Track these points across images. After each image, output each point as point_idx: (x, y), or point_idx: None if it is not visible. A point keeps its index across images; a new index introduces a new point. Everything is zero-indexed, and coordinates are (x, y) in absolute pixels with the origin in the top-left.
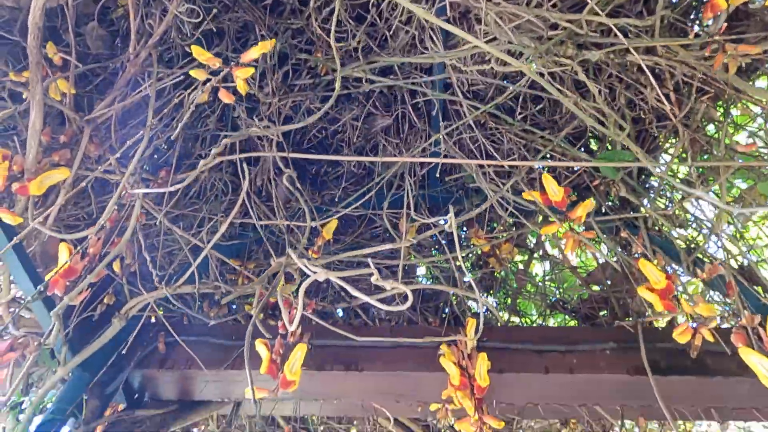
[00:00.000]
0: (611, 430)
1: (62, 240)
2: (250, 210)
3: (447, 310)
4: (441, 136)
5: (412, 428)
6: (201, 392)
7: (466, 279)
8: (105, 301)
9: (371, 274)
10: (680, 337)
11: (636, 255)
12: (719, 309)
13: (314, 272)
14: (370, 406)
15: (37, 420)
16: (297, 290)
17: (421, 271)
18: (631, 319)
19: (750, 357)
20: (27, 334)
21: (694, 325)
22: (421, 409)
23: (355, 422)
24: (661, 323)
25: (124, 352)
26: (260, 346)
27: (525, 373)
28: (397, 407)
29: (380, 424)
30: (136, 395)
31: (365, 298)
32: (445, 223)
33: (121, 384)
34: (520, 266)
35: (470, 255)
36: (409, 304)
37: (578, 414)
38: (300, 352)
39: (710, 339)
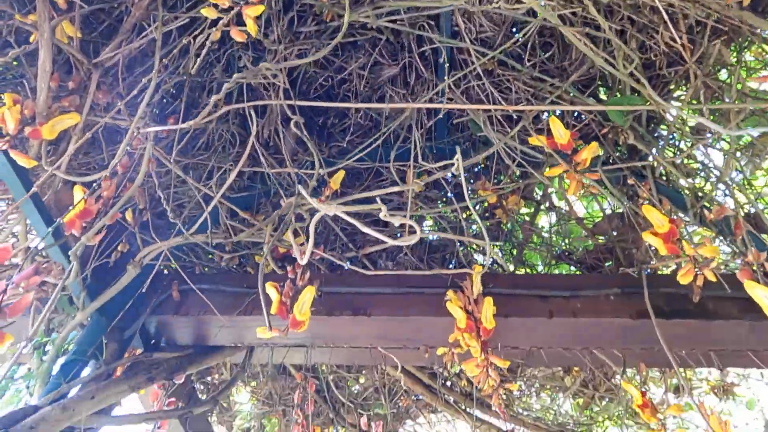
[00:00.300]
0: (613, 378)
1: (76, 183)
2: (259, 159)
3: (453, 262)
4: (448, 84)
5: (419, 376)
6: (215, 337)
7: (473, 228)
8: (119, 248)
9: (380, 210)
10: (683, 278)
11: (642, 202)
12: (723, 257)
13: (323, 208)
14: (379, 354)
15: (60, 361)
16: (307, 227)
17: (428, 224)
18: (635, 267)
19: (755, 290)
20: (48, 262)
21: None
22: (428, 356)
23: (363, 371)
24: (665, 270)
25: (140, 295)
26: (270, 289)
27: (530, 317)
28: (405, 354)
29: (388, 372)
30: (153, 340)
31: (374, 234)
32: (453, 166)
33: (138, 329)
34: (527, 218)
35: (477, 207)
36: (416, 237)
37: (581, 361)
38: (308, 294)
39: (712, 279)
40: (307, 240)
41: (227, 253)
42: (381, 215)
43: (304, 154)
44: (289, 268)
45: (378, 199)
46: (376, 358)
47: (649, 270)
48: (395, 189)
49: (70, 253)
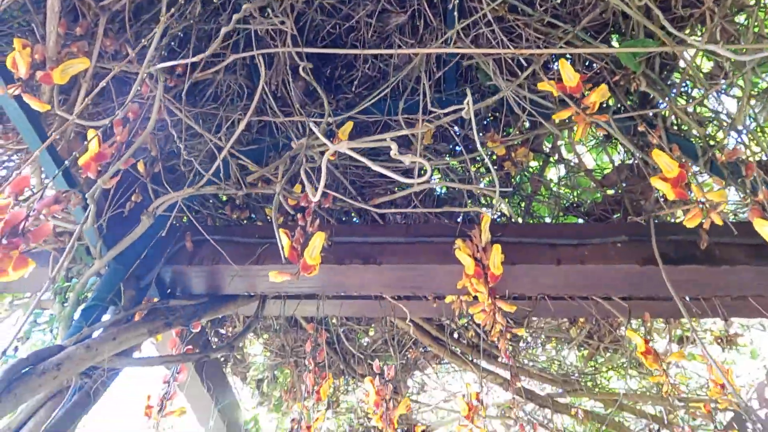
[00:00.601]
0: (618, 329)
1: (87, 133)
2: (267, 112)
3: (462, 215)
4: (457, 32)
5: (427, 328)
6: (228, 286)
7: (482, 182)
8: (133, 199)
9: (389, 149)
10: (690, 222)
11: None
12: (730, 207)
13: (335, 146)
14: (388, 305)
15: (81, 308)
16: (319, 166)
17: (437, 177)
18: (643, 216)
19: (764, 228)
20: (68, 191)
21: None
22: (436, 305)
23: (373, 324)
24: (673, 218)
25: (155, 246)
26: (282, 235)
27: (537, 264)
28: (413, 305)
29: (397, 325)
30: (169, 290)
31: (385, 171)
32: (463, 110)
33: (154, 278)
34: (535, 171)
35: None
36: (428, 176)
37: (587, 312)
38: (319, 239)
39: (719, 223)
40: (319, 179)
41: (238, 207)
42: (392, 153)
43: (312, 106)
44: (299, 216)
45: (388, 139)
46: (385, 310)
47: (657, 219)
48: (405, 132)
49: (87, 195)
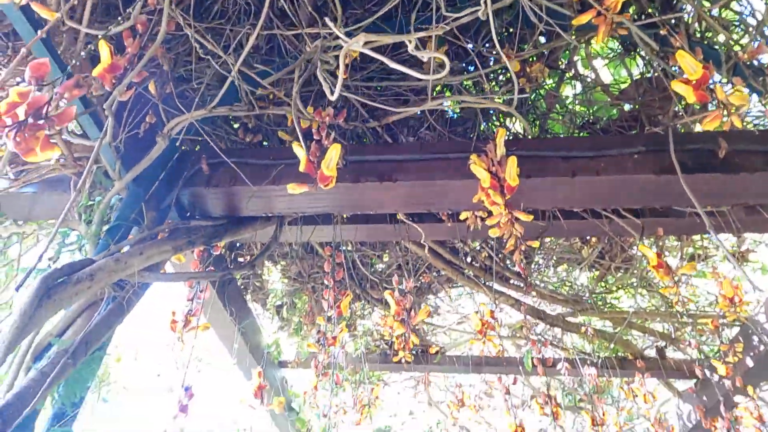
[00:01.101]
0: (629, 249)
1: (97, 42)
2: (275, 28)
3: (475, 135)
4: None
5: (440, 252)
6: (246, 208)
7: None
8: (147, 120)
9: (405, 48)
10: (709, 124)
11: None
12: (751, 118)
13: (351, 41)
14: (402, 229)
15: (105, 228)
16: (338, 60)
17: (447, 104)
18: (661, 127)
19: None
20: (88, 77)
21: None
22: (451, 225)
23: (387, 250)
24: (691, 126)
25: (172, 169)
26: (297, 148)
27: (552, 177)
28: (427, 228)
29: (411, 250)
30: (188, 213)
31: (403, 69)
32: (479, 10)
33: (173, 201)
34: (551, 88)
35: (500, 76)
36: (446, 71)
37: (599, 230)
38: (335, 150)
39: (739, 125)
40: (337, 76)
41: (250, 131)
42: (409, 49)
43: (320, 26)
44: (314, 130)
45: (405, 40)
46: (400, 232)
47: (675, 128)
48: (420, 34)
49: (105, 105)
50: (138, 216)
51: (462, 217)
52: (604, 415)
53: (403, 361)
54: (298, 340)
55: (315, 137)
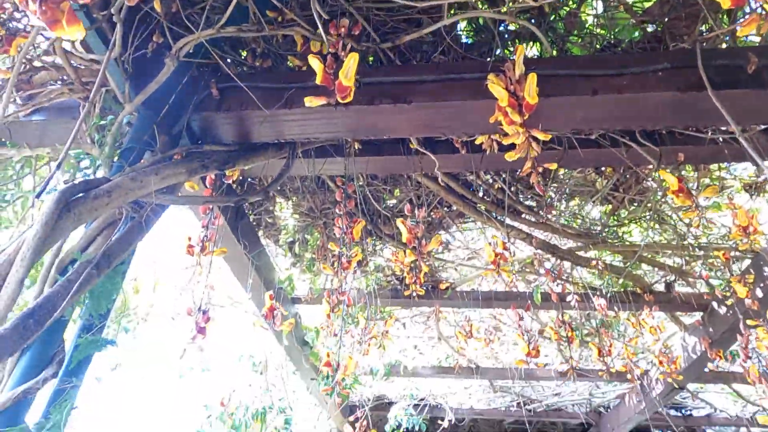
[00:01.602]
0: (644, 180)
1: None
2: None
3: (491, 57)
4: None
5: (453, 186)
6: (257, 134)
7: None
8: (154, 39)
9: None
10: (744, 30)
11: None
12: None
13: None
14: (416, 159)
15: (118, 152)
16: None
17: (463, 26)
18: (688, 42)
19: None
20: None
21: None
22: (465, 152)
23: (398, 185)
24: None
25: (182, 94)
26: (314, 60)
27: (572, 95)
28: (441, 159)
29: (423, 184)
30: (199, 140)
31: None
32: None
33: (185, 126)
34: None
35: None
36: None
37: (616, 158)
38: (353, 59)
39: None
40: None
41: (260, 56)
42: None
43: None
44: (330, 45)
45: None
46: (413, 163)
47: (702, 41)
48: None
49: (112, 10)
50: (150, 139)
51: (478, 141)
52: (610, 346)
53: (413, 295)
54: (311, 276)
55: (331, 49)
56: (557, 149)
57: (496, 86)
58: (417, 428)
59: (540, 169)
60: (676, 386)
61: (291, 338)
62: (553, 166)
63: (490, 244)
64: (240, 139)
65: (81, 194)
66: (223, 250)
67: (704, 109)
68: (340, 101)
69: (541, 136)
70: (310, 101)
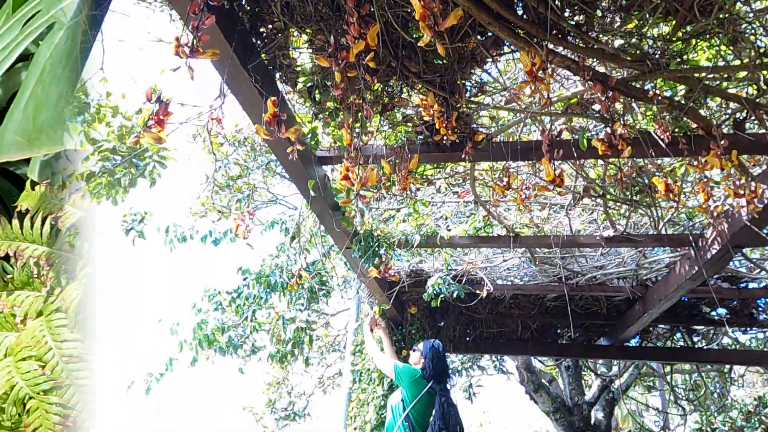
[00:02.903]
0: None
1: None
2: None
3: None
4: None
5: (486, 1)
6: None
7: None
8: None
9: None
10: None
11: None
12: None
13: None
14: None
15: None
16: None
17: None
18: None
19: None
20: None
21: None
22: None
23: None
24: None
25: None
26: None
27: None
28: None
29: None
30: None
31: None
32: None
33: None
34: None
35: None
36: None
37: None
38: None
39: None
40: None
41: None
42: None
43: None
44: None
45: None
46: None
47: None
48: None
49: None
50: None
51: None
52: (677, 183)
53: (445, 140)
54: (335, 131)
55: None
56: None
57: None
58: (455, 295)
59: None
60: (731, 249)
61: (322, 202)
62: None
63: (527, 53)
64: None
65: None
66: (215, 52)
67: None
68: None
69: None
70: None
